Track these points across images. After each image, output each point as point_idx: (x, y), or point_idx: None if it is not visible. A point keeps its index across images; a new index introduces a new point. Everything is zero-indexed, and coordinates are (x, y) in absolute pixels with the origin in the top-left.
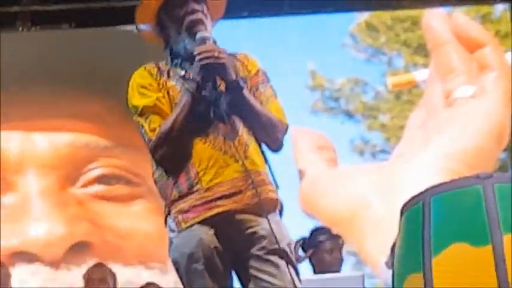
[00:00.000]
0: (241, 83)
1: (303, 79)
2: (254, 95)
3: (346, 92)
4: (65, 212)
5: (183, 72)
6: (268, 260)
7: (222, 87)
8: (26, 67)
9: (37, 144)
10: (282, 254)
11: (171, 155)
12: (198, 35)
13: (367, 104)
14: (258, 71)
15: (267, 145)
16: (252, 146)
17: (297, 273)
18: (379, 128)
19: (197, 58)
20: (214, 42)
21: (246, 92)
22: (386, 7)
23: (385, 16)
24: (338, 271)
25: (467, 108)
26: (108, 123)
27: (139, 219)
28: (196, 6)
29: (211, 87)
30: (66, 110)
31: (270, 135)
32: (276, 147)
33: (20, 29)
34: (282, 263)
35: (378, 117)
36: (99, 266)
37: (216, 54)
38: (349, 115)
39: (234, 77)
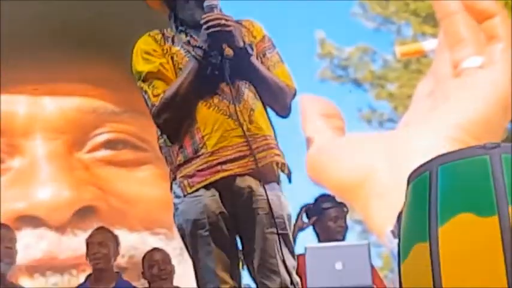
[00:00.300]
0: (250, 50)
1: (311, 47)
2: (261, 61)
3: (355, 61)
4: (72, 176)
5: (188, 39)
6: (266, 232)
7: (228, 52)
8: (35, 31)
9: (45, 108)
10: (278, 227)
11: (174, 120)
12: (206, 3)
13: (375, 72)
14: (263, 36)
15: (275, 111)
16: (258, 111)
17: (292, 250)
18: (387, 96)
19: (204, 26)
20: (220, 10)
21: (253, 58)
22: None
23: None
24: (343, 239)
25: (475, 78)
26: (116, 88)
27: (146, 184)
28: None
29: (218, 54)
30: (75, 75)
31: (279, 101)
32: (285, 112)
33: None
34: (274, 237)
35: (386, 86)
36: (100, 229)
37: (223, 22)
38: (357, 83)
39: (241, 44)
